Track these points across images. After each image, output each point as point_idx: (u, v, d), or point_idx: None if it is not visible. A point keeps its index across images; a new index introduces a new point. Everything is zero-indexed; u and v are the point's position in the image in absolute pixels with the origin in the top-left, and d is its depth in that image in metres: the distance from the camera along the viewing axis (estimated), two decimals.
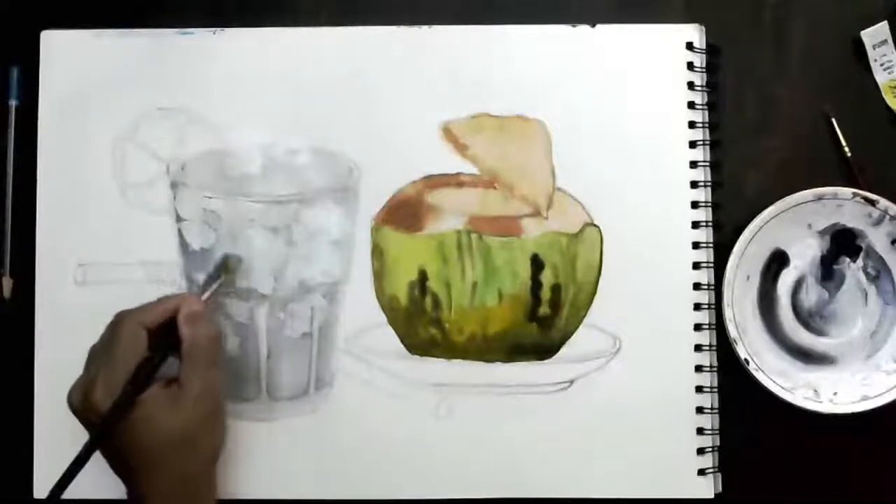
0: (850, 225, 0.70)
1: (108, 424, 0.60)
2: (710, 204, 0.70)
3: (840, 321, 0.71)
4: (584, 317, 0.70)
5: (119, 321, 0.63)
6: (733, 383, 0.69)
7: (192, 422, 0.62)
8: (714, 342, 0.69)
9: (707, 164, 0.70)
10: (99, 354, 0.63)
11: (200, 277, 0.69)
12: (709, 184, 0.70)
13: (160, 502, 0.61)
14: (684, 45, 0.71)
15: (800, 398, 0.68)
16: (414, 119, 0.70)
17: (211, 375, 0.63)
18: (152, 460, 0.61)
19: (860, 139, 0.70)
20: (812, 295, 0.71)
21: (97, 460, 0.69)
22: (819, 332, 0.71)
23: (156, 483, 0.61)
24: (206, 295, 0.65)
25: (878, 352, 0.70)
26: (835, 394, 0.69)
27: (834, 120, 0.71)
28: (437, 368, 0.70)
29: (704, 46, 0.71)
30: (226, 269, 0.67)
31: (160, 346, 0.62)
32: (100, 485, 0.69)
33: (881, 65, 0.71)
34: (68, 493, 0.69)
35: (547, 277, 0.69)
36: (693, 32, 0.71)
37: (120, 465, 0.63)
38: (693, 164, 0.70)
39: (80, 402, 0.61)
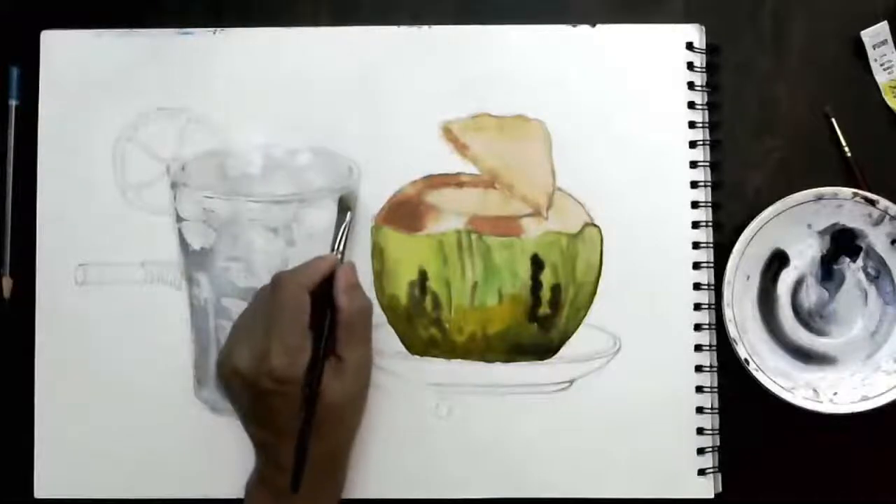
0: (850, 225, 0.70)
1: (313, 389, 0.61)
2: (710, 204, 0.70)
3: (840, 321, 0.71)
4: (584, 317, 0.70)
5: (280, 285, 0.63)
6: (733, 383, 0.69)
7: (350, 394, 0.64)
8: (714, 342, 0.69)
9: (707, 164, 0.70)
10: (261, 319, 0.62)
11: (201, 277, 0.69)
12: (709, 184, 0.70)
13: (312, 471, 0.61)
14: (684, 45, 0.71)
15: (800, 398, 0.68)
16: (414, 119, 0.70)
17: (367, 348, 0.65)
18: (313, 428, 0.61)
19: (860, 139, 0.70)
20: (812, 295, 0.71)
21: (97, 460, 0.69)
22: (819, 332, 0.71)
23: (311, 452, 0.61)
24: (342, 244, 0.66)
25: (878, 352, 0.70)
26: (835, 394, 0.69)
27: (834, 120, 0.71)
28: (437, 368, 0.70)
29: (704, 46, 0.71)
30: (343, 209, 0.68)
31: (321, 309, 0.63)
32: (100, 485, 0.69)
33: (881, 65, 0.71)
34: (68, 493, 0.69)
35: (547, 277, 0.69)
36: (693, 32, 0.71)
37: (271, 432, 0.63)
38: (693, 164, 0.70)
39: (254, 368, 0.61)
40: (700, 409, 0.69)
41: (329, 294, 0.64)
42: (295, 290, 0.62)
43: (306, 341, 0.62)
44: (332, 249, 0.67)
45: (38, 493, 0.69)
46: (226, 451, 0.68)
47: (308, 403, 0.61)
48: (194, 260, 0.70)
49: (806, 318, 0.71)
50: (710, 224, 0.70)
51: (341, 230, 0.67)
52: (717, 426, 0.69)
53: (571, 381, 0.70)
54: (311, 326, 0.62)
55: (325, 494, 0.65)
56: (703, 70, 0.71)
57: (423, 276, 0.69)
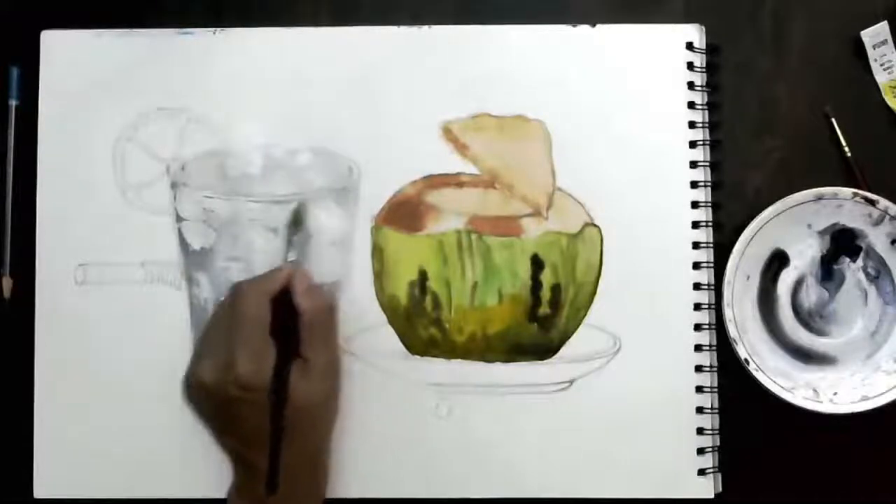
0: (850, 225, 0.70)
1: (279, 394, 0.61)
2: (710, 204, 0.70)
3: (840, 321, 0.71)
4: (584, 317, 0.70)
5: (241, 294, 0.63)
6: (733, 383, 0.69)
7: (318, 393, 0.63)
8: (714, 342, 0.69)
9: (707, 164, 0.70)
10: (224, 330, 0.62)
11: (201, 277, 0.69)
12: (709, 184, 0.70)
13: (289, 473, 0.61)
14: (684, 45, 0.71)
15: (800, 398, 0.68)
16: (414, 119, 0.70)
17: (332, 347, 0.65)
18: (285, 432, 0.61)
19: (860, 139, 0.70)
20: (812, 295, 0.71)
21: (97, 460, 0.69)
22: (819, 332, 0.71)
23: (285, 454, 0.61)
24: (294, 254, 0.67)
25: (878, 352, 0.70)
26: (835, 394, 0.69)
27: (834, 120, 0.71)
28: (437, 368, 0.70)
29: (704, 46, 0.71)
30: (295, 222, 0.68)
31: (282, 316, 0.63)
32: (100, 485, 0.69)
33: (881, 65, 0.71)
34: (68, 493, 0.69)
35: (547, 277, 0.69)
36: (693, 32, 0.71)
37: (242, 440, 0.62)
38: (693, 164, 0.70)
39: (219, 378, 0.61)
40: (700, 409, 0.69)
41: (290, 302, 0.63)
42: (255, 297, 0.62)
43: (270, 347, 0.62)
44: (285, 259, 0.67)
45: (38, 493, 0.69)
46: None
47: (276, 407, 0.61)
48: (194, 260, 0.70)
49: (806, 318, 0.71)
50: (710, 224, 0.70)
51: (292, 241, 0.67)
52: (717, 426, 0.69)
53: (571, 381, 0.70)
54: (272, 334, 0.62)
55: (307, 498, 0.65)
56: (703, 70, 0.71)
57: (423, 276, 0.69)
